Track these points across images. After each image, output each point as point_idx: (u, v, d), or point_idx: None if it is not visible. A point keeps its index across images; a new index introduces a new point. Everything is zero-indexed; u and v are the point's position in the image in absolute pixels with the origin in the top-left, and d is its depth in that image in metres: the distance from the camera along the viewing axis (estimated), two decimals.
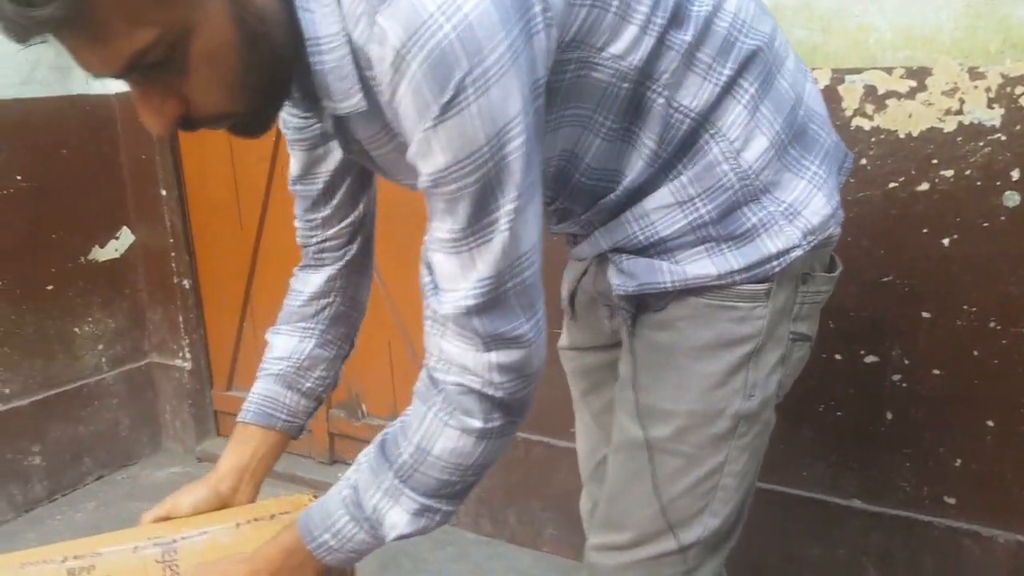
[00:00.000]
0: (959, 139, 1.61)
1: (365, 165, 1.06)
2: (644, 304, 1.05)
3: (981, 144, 1.60)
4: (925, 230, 1.67)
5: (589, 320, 1.26)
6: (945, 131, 1.62)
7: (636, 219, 1.00)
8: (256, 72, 0.80)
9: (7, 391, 2.70)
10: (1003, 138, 1.57)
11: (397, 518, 0.94)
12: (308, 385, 1.31)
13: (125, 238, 2.99)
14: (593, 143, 0.95)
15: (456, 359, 0.87)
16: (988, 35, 1.55)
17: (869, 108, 1.69)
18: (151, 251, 3.01)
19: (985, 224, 1.62)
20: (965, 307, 1.68)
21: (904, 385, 1.78)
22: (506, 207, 0.80)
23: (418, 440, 0.91)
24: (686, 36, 0.90)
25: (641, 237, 1.00)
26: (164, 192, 2.91)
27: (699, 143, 0.95)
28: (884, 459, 1.83)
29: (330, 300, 1.31)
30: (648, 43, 0.88)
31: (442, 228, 0.83)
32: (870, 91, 1.68)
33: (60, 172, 2.75)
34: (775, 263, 0.98)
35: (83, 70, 0.75)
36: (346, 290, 1.31)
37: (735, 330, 1.00)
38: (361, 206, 1.26)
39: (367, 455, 0.97)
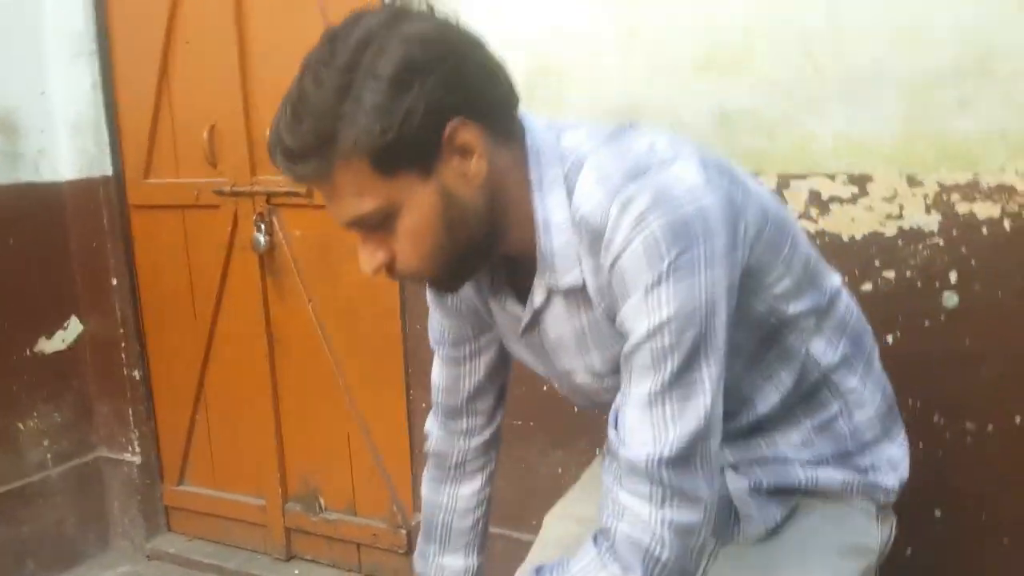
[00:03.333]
0: (900, 242, 1.69)
1: (524, 352, 1.14)
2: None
3: (920, 247, 1.67)
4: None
5: None
6: (886, 235, 1.70)
7: (767, 444, 1.12)
8: (449, 252, 0.94)
9: None
10: (941, 242, 1.65)
11: None
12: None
13: (73, 328, 2.91)
14: (734, 364, 1.00)
15: (632, 508, 0.90)
16: (925, 145, 1.63)
17: (814, 212, 1.76)
18: (100, 341, 2.93)
19: (926, 323, 1.69)
20: (910, 401, 1.73)
21: None
22: (709, 370, 0.89)
23: (575, 571, 0.93)
24: (822, 301, 1.07)
25: (769, 454, 1.12)
26: (115, 281, 2.85)
27: (822, 396, 1.11)
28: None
29: (484, 508, 1.40)
30: (801, 295, 1.04)
31: (642, 386, 0.89)
32: (815, 196, 1.75)
33: (6, 261, 2.68)
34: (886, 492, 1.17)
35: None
36: (492, 472, 1.41)
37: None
38: (499, 416, 1.36)
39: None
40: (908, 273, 1.69)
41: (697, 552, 0.93)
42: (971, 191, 1.61)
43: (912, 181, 1.66)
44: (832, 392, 1.11)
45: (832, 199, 1.73)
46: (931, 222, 1.65)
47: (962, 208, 1.62)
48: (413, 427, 2.42)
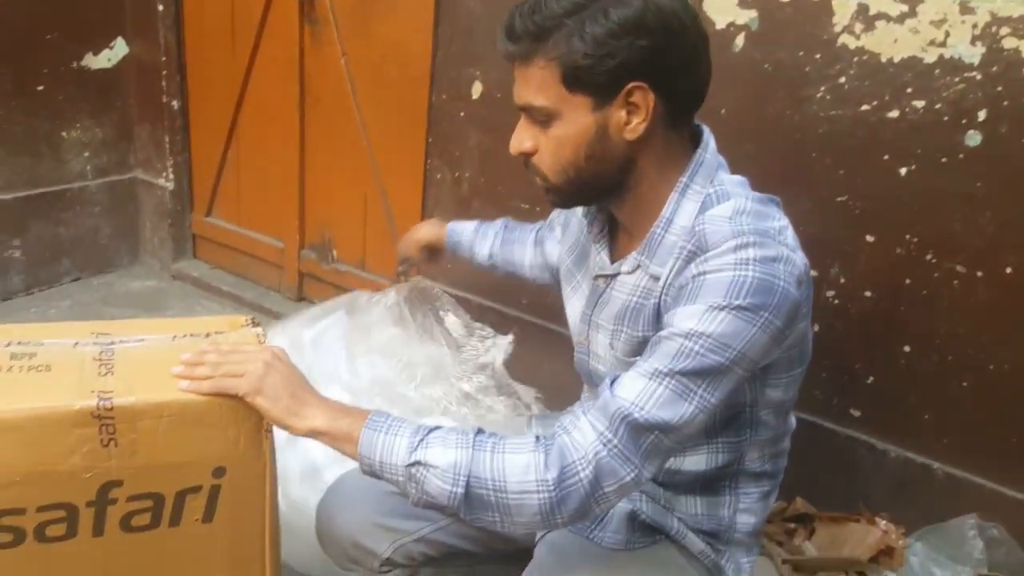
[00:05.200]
0: (936, 71, 1.59)
1: (579, 298, 1.26)
2: None
3: (956, 80, 1.58)
4: (886, 156, 1.67)
5: None
6: (925, 61, 1.60)
7: (668, 495, 1.23)
8: (575, 173, 1.07)
9: None
10: (978, 77, 1.55)
11: (435, 455, 0.98)
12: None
13: (119, 49, 2.92)
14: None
15: (582, 431, 0.98)
16: None
17: (858, 27, 1.65)
18: (143, 66, 2.94)
19: (943, 159, 1.62)
20: (907, 236, 1.70)
21: (836, 302, 1.82)
22: (705, 395, 0.97)
23: (509, 440, 1.00)
24: (780, 429, 1.20)
25: (663, 501, 1.22)
26: (161, 7, 2.82)
27: (726, 489, 1.20)
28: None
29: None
30: (774, 412, 1.15)
31: (654, 363, 0.97)
32: (862, 9, 1.64)
33: None
34: None
35: None
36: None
37: None
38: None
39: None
40: (938, 105, 1.60)
41: (596, 501, 0.98)
42: (1023, 27, 1.49)
43: (964, 8, 1.54)
44: (735, 492, 1.21)
45: (880, 15, 1.62)
46: (974, 54, 1.55)
47: (1009, 43, 1.51)
48: (427, 195, 2.45)
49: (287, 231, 2.84)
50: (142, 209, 3.13)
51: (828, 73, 1.70)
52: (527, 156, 1.10)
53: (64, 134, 2.85)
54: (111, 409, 0.99)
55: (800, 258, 1.03)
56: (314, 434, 1.03)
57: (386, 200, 2.57)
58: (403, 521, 1.28)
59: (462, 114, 2.29)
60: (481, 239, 1.64)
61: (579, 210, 1.29)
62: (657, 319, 1.07)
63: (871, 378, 1.83)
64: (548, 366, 2.25)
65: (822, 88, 1.71)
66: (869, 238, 1.74)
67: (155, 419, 1.01)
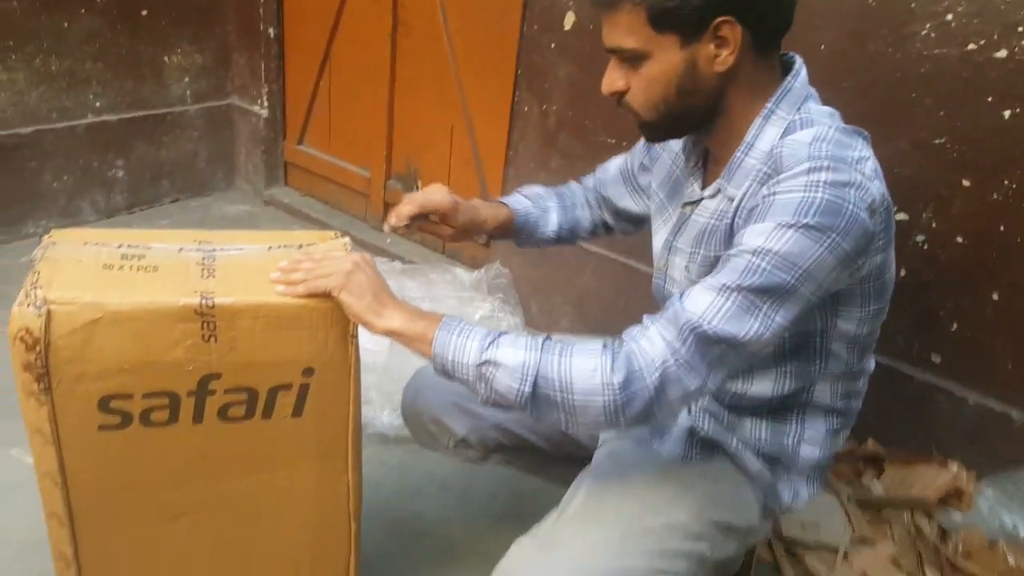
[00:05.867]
0: None
1: (665, 224, 1.27)
2: None
3: None
4: (990, 98, 1.60)
5: None
6: None
7: (732, 416, 1.24)
8: (667, 108, 1.09)
9: (98, 104, 2.81)
10: None
11: (505, 355, 1.00)
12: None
13: None
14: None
15: (651, 339, 0.99)
16: None
17: None
18: None
19: None
20: (1006, 182, 1.63)
21: (925, 247, 1.76)
22: (771, 312, 0.97)
23: (576, 345, 1.01)
24: (853, 367, 1.20)
25: (726, 421, 1.25)
26: None
27: (794, 417, 1.22)
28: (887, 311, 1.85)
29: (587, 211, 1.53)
30: (848, 347, 1.16)
31: (723, 278, 0.98)
32: None
33: None
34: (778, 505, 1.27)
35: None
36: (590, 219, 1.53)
37: None
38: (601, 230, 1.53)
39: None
40: None
41: (659, 407, 0.99)
42: None
43: None
44: (802, 422, 1.22)
45: None
46: None
47: None
48: (513, 128, 2.45)
49: (374, 161, 2.89)
50: (237, 135, 3.23)
51: (935, 10, 1.63)
52: (620, 95, 1.12)
53: (166, 59, 2.95)
54: (212, 307, 1.05)
55: (877, 188, 1.01)
56: (391, 334, 1.06)
57: (472, 132, 2.59)
58: (483, 407, 1.29)
59: (553, 46, 2.27)
60: (543, 213, 1.48)
61: (671, 145, 1.29)
62: (729, 239, 1.08)
63: (955, 325, 1.78)
64: (624, 301, 2.26)
65: (927, 25, 1.64)
66: (965, 182, 1.67)
67: (252, 319, 1.07)
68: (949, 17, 1.60)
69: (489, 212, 1.40)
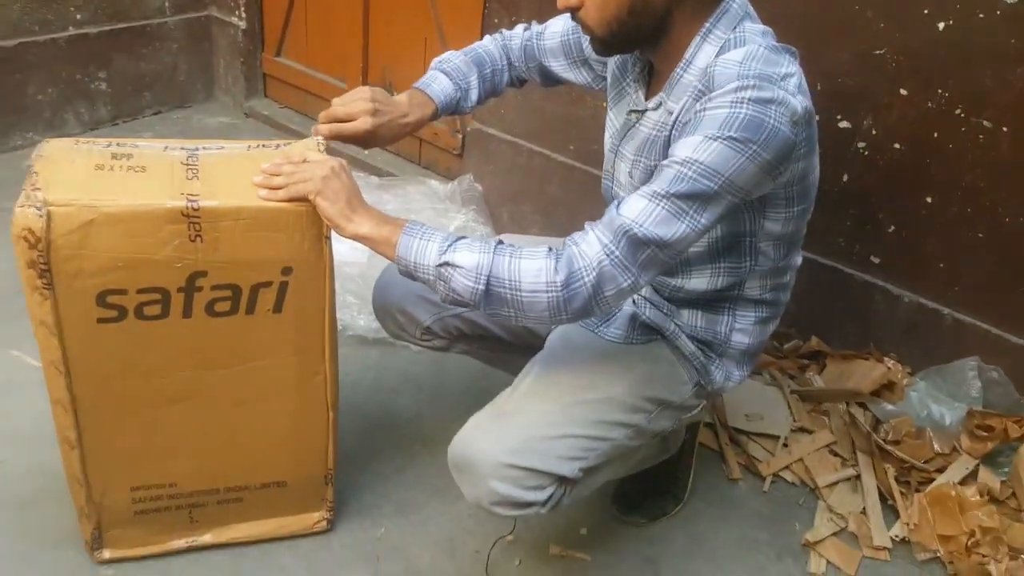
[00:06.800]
0: None
1: (613, 128, 1.36)
2: None
3: None
4: (926, 11, 1.67)
5: None
6: None
7: (671, 305, 1.38)
8: (618, 25, 1.16)
9: (79, 17, 2.82)
10: None
11: (461, 257, 1.10)
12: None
13: None
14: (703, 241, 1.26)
15: (589, 242, 1.09)
16: None
17: None
18: None
19: (981, 15, 1.62)
20: (939, 91, 1.72)
21: (866, 153, 1.86)
22: (698, 215, 1.07)
23: (525, 248, 1.11)
24: (780, 264, 1.31)
25: (664, 309, 1.38)
26: None
27: (726, 308, 1.36)
28: (830, 215, 1.96)
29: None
30: (775, 245, 1.28)
31: (655, 185, 1.08)
32: None
33: None
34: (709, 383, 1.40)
35: None
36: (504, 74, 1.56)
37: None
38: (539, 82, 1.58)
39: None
40: None
41: (596, 303, 1.10)
42: None
43: None
44: (734, 313, 1.35)
45: None
46: None
47: None
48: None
49: (351, 72, 2.93)
50: (216, 47, 3.24)
51: None
52: (573, 11, 1.19)
53: None
54: (197, 210, 1.14)
55: (800, 103, 1.10)
56: (360, 238, 1.16)
57: (444, 43, 2.62)
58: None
59: None
60: (464, 93, 1.50)
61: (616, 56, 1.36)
62: (666, 149, 1.17)
63: (892, 227, 1.90)
64: (590, 208, 2.36)
65: None
66: (903, 91, 1.76)
67: (234, 220, 1.17)
68: None
69: (415, 115, 1.42)
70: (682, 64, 1.18)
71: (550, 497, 1.24)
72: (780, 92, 1.07)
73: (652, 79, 1.30)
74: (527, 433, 1.22)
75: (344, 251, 1.24)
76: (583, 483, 1.30)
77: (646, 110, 1.26)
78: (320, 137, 1.34)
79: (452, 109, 1.49)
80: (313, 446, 1.45)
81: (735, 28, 1.16)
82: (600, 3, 1.15)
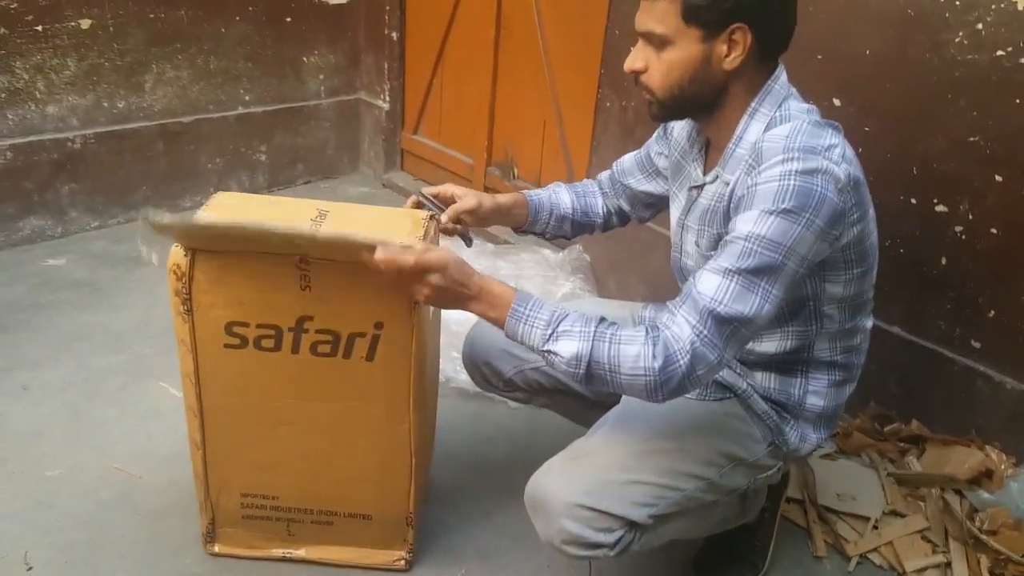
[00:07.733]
0: None
1: (677, 205, 1.46)
2: None
3: None
4: (1018, 100, 1.67)
5: None
6: None
7: (744, 366, 1.44)
8: (678, 92, 1.26)
9: (247, 98, 3.21)
10: None
11: (562, 347, 1.17)
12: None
13: None
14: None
15: (679, 325, 1.15)
16: None
17: None
18: (371, 3, 3.33)
19: None
20: None
21: (964, 237, 1.84)
22: (770, 288, 1.15)
23: (626, 332, 1.18)
24: (846, 326, 1.36)
25: (738, 369, 1.45)
26: None
27: (798, 372, 1.40)
28: (929, 298, 1.94)
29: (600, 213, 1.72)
30: (840, 308, 1.33)
31: (724, 262, 1.15)
32: None
33: None
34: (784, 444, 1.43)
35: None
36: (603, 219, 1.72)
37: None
38: (617, 221, 1.73)
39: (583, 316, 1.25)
40: None
41: (690, 382, 1.16)
42: None
43: None
44: (807, 375, 1.40)
45: None
46: None
47: None
48: (597, 121, 2.64)
49: (477, 149, 3.16)
50: (362, 126, 3.57)
51: (967, 19, 1.72)
52: (637, 74, 1.29)
53: (305, 59, 3.31)
54: (308, 263, 1.30)
55: (843, 171, 1.17)
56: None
57: (561, 124, 2.80)
58: (526, 352, 1.40)
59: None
60: (554, 194, 1.67)
61: (675, 135, 1.47)
62: (727, 217, 1.25)
63: (992, 312, 1.85)
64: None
65: (960, 33, 1.73)
66: (998, 177, 1.75)
67: (336, 276, 1.31)
68: (980, 27, 1.69)
69: (508, 198, 1.60)
70: (734, 140, 1.28)
71: (619, 540, 1.27)
72: (824, 162, 1.15)
73: (708, 156, 1.40)
74: (599, 476, 1.28)
75: (451, 312, 1.37)
76: (653, 532, 1.33)
77: (704, 184, 1.35)
78: (424, 213, 1.48)
79: (545, 208, 1.63)
80: (396, 487, 1.55)
81: (780, 106, 1.26)
82: (666, 68, 1.25)
